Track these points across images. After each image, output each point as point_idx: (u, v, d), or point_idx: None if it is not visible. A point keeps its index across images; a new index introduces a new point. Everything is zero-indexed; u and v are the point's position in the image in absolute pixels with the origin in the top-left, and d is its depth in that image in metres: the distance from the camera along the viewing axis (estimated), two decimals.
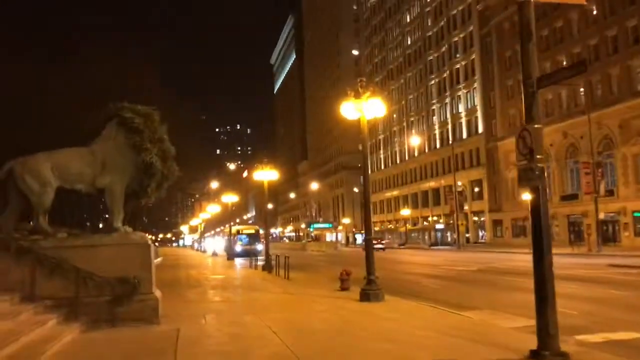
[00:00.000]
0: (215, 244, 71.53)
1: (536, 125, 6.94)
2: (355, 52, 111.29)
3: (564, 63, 55.10)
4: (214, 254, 56.26)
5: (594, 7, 51.73)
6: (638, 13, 46.69)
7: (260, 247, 46.04)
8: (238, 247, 46.81)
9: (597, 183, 41.24)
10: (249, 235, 51.18)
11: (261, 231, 60.33)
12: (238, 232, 50.80)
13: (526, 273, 23.07)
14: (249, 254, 38.03)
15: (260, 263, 29.98)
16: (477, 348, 8.33)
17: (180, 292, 17.67)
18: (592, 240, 46.15)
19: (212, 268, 34.63)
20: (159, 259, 49.30)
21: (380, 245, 68.17)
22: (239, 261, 41.34)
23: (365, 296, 13.45)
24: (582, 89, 53.73)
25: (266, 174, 27.54)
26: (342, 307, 12.87)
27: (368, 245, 13.68)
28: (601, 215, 41.70)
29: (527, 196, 33.02)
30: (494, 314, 12.45)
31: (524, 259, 36.54)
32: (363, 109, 13.58)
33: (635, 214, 47.72)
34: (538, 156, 6.87)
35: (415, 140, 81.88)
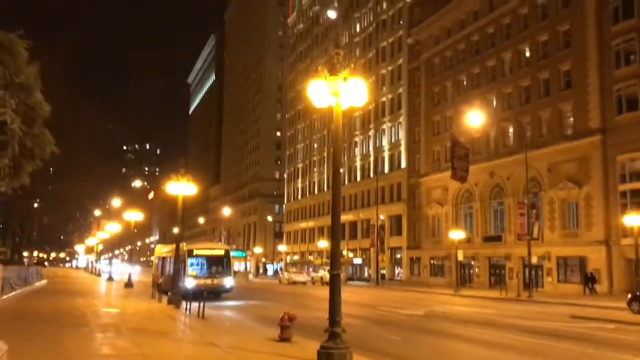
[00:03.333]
0: (113, 267, 64.42)
1: None
2: (332, 15, 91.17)
3: (494, 102, 54.42)
4: (110, 279, 49.71)
5: (527, 49, 51.46)
6: (571, 57, 46.45)
7: (230, 281, 29.23)
8: (190, 282, 27.12)
9: (531, 225, 39.55)
10: (212, 259, 29.82)
11: (234, 254, 45.70)
12: (190, 253, 29.50)
13: (485, 322, 20.04)
14: (212, 293, 26.64)
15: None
16: None
17: (56, 334, 12.78)
18: (517, 285, 44.51)
19: (105, 297, 29.14)
20: (41, 282, 42.59)
21: (301, 278, 63.35)
22: (138, 289, 35.72)
23: (326, 357, 9.35)
24: (511, 130, 53.09)
25: (182, 187, 22.86)
26: None
27: (334, 283, 9.64)
28: (534, 259, 39.95)
29: (454, 235, 29.72)
30: None
31: (461, 302, 33.89)
32: (339, 91, 9.70)
33: (559, 260, 46.69)
34: None
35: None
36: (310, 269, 78.80)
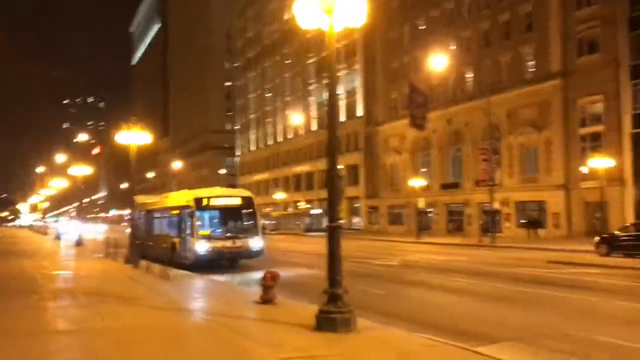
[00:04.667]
0: (64, 225, 61.49)
1: None
2: None
3: (452, 47, 53.12)
4: (58, 237, 47.18)
5: None
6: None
7: (258, 242, 21.43)
8: (202, 245, 20.29)
9: (493, 171, 39.18)
10: (231, 210, 22.09)
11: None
12: (200, 204, 21.30)
13: (465, 271, 18.99)
14: (234, 258, 21.16)
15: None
16: None
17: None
18: (477, 231, 44.73)
19: (55, 257, 27.05)
20: None
21: None
22: (90, 247, 33.65)
23: (328, 322, 8.05)
24: (469, 75, 52.24)
25: (134, 136, 20.77)
26: (309, 351, 7.26)
27: (333, 237, 8.26)
28: (496, 205, 39.80)
29: (414, 182, 28.70)
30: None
31: (428, 249, 33.24)
32: (333, 7, 8.05)
33: (518, 205, 46.92)
34: None
35: (294, 119, 77.02)
36: None
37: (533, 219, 42.99)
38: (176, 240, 21.68)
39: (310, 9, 8.19)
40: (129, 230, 24.85)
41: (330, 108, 8.48)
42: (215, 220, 21.92)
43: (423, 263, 22.46)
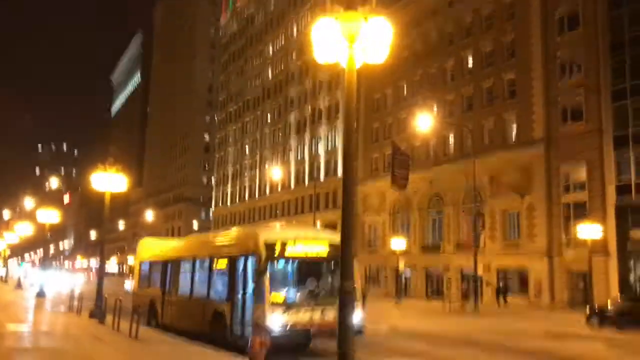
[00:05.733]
0: (27, 273, 58.53)
1: None
2: None
3: (435, 110, 53.22)
4: (19, 286, 44.44)
5: (470, 57, 50.84)
6: (515, 67, 46.06)
7: (357, 315, 12.09)
8: (277, 318, 12.45)
9: (478, 234, 38.35)
10: (312, 262, 13.94)
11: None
12: (271, 251, 13.09)
13: (469, 342, 17.63)
14: (321, 337, 13.00)
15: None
16: None
17: None
18: (458, 296, 43.51)
19: (10, 308, 24.87)
20: None
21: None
22: (51, 298, 31.35)
23: None
24: (452, 138, 52.20)
25: (111, 179, 19.25)
26: None
27: (345, 304, 6.96)
28: (479, 270, 38.76)
29: (396, 243, 25.41)
30: None
31: (409, 313, 31.44)
32: (357, 34, 7.06)
33: (499, 272, 45.93)
34: None
35: (274, 173, 75.90)
36: None
37: (503, 286, 42.22)
38: (224, 308, 14.12)
39: (331, 36, 7.18)
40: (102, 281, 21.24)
41: (345, 152, 7.37)
42: (292, 279, 14.03)
43: (417, 331, 20.97)
